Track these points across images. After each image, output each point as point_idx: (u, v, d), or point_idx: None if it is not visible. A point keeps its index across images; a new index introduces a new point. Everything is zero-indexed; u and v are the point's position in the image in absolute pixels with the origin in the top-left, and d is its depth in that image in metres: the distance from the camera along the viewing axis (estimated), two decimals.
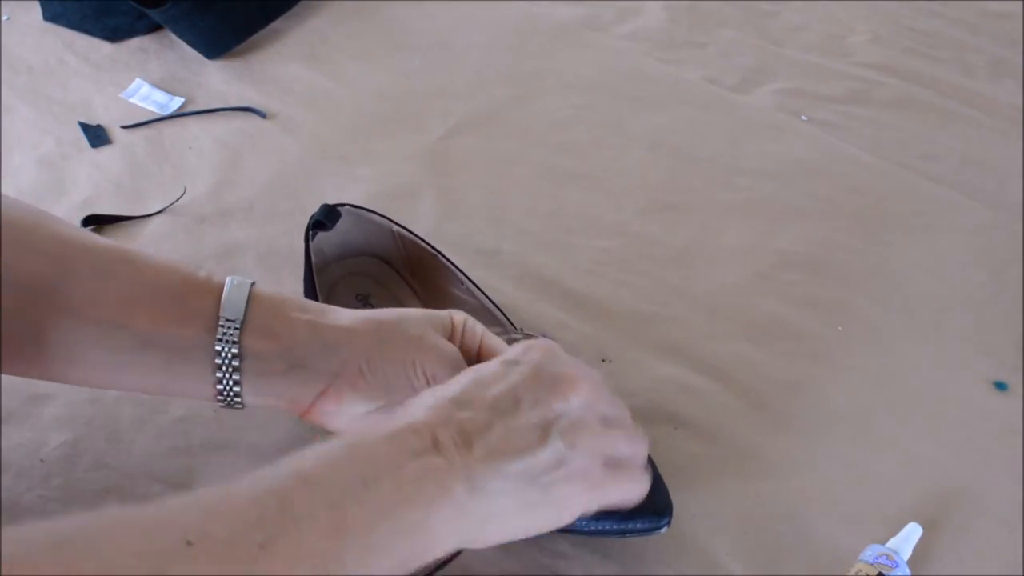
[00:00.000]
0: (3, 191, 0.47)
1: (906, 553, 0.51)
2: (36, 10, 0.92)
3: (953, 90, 0.87)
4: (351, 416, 0.48)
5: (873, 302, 0.67)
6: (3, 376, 0.60)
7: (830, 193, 0.76)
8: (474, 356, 0.51)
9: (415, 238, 0.62)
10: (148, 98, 0.83)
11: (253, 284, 0.47)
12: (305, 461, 0.38)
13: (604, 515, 0.49)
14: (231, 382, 0.46)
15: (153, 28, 0.90)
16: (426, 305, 0.63)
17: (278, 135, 0.80)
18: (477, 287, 0.61)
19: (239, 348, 0.45)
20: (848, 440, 0.59)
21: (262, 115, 0.81)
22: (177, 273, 0.46)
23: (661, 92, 0.86)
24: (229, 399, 0.47)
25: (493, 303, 0.61)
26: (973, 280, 0.69)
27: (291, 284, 0.67)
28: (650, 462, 0.52)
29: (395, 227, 0.62)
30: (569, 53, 0.90)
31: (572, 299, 0.66)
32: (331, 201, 0.61)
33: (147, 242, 0.70)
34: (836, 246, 0.72)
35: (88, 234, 0.46)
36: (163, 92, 0.83)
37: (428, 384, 0.47)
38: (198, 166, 0.77)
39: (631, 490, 0.46)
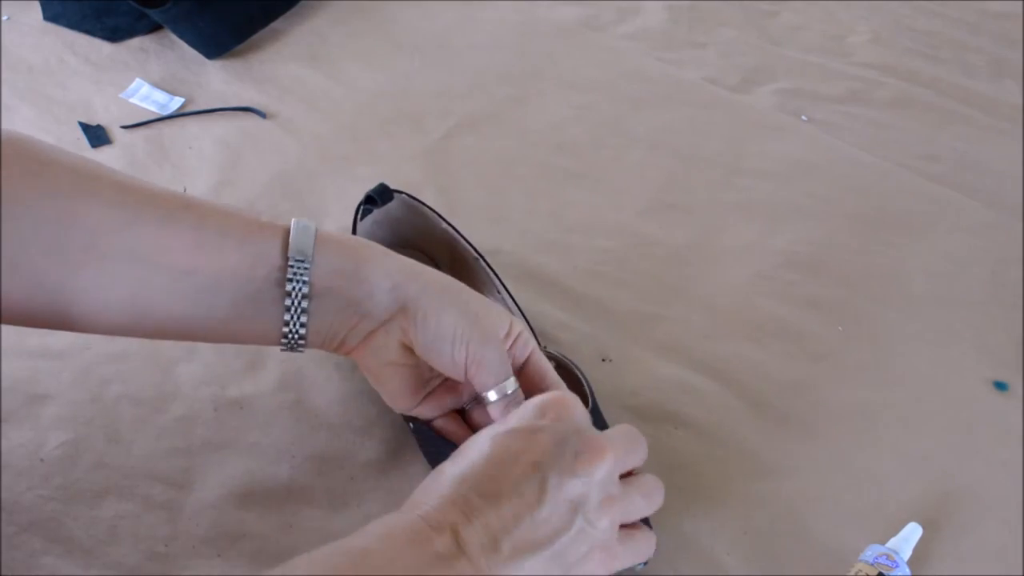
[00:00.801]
0: None
1: (906, 553, 0.51)
2: (36, 10, 0.92)
3: (953, 90, 0.87)
4: (387, 361, 0.49)
5: (873, 302, 0.67)
6: (3, 376, 0.60)
7: (830, 193, 0.76)
8: (518, 368, 0.50)
9: (463, 240, 0.62)
10: (148, 98, 0.83)
11: (317, 228, 0.47)
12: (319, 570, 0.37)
13: None
14: (298, 323, 0.47)
15: (153, 28, 0.90)
16: None
17: (278, 135, 0.80)
18: (513, 299, 0.61)
19: (308, 288, 0.46)
20: (848, 440, 0.59)
21: (262, 115, 0.81)
22: (240, 218, 0.46)
23: (661, 92, 0.86)
24: (293, 341, 0.48)
25: (524, 318, 0.61)
26: (973, 280, 0.69)
27: None
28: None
29: (444, 224, 0.62)
30: (569, 53, 0.90)
31: (572, 299, 0.66)
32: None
33: None
34: (836, 246, 0.72)
35: (146, 182, 0.46)
36: (163, 92, 0.83)
37: (465, 364, 0.47)
38: (198, 166, 0.77)
39: (645, 550, 0.46)
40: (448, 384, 0.53)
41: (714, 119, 0.83)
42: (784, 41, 0.93)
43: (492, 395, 0.48)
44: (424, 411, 0.53)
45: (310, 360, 0.62)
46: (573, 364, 0.58)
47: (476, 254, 0.62)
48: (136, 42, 0.89)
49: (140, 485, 0.55)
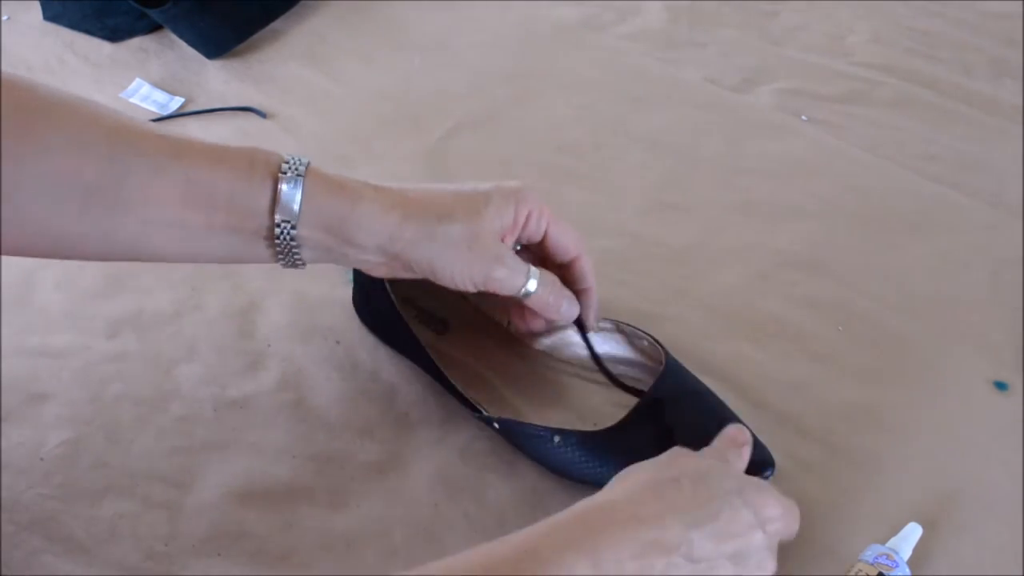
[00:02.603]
0: None
1: (906, 553, 0.51)
2: (36, 10, 0.92)
3: (953, 90, 0.87)
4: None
5: (873, 302, 0.67)
6: (3, 375, 0.60)
7: (830, 193, 0.76)
8: (537, 241, 0.53)
9: None
10: (148, 98, 0.83)
11: (308, 169, 0.48)
12: None
13: None
14: (292, 259, 0.50)
15: (153, 28, 0.90)
16: (475, 309, 0.64)
17: (278, 135, 0.80)
18: None
19: (296, 241, 0.48)
20: (848, 440, 0.59)
21: (262, 115, 0.81)
22: (232, 168, 0.47)
23: (661, 92, 0.86)
24: (292, 265, 0.51)
25: None
26: (973, 280, 0.69)
27: (293, 284, 0.67)
28: (738, 422, 0.55)
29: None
30: (569, 53, 0.90)
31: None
32: None
33: None
34: (836, 246, 0.72)
35: (138, 124, 0.47)
36: (163, 92, 0.83)
37: (480, 288, 0.51)
38: None
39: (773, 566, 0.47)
40: None
41: (714, 119, 0.83)
42: (784, 41, 0.93)
43: (524, 292, 0.52)
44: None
45: (310, 360, 0.62)
46: (642, 330, 0.59)
47: None
48: (136, 42, 0.89)
49: (140, 484, 0.55)
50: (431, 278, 0.51)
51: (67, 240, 0.46)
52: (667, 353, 0.57)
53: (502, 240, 0.51)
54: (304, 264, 0.51)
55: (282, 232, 0.48)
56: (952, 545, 0.53)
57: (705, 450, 0.49)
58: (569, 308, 0.54)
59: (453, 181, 0.53)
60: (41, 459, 0.56)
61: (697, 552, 0.42)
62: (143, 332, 0.64)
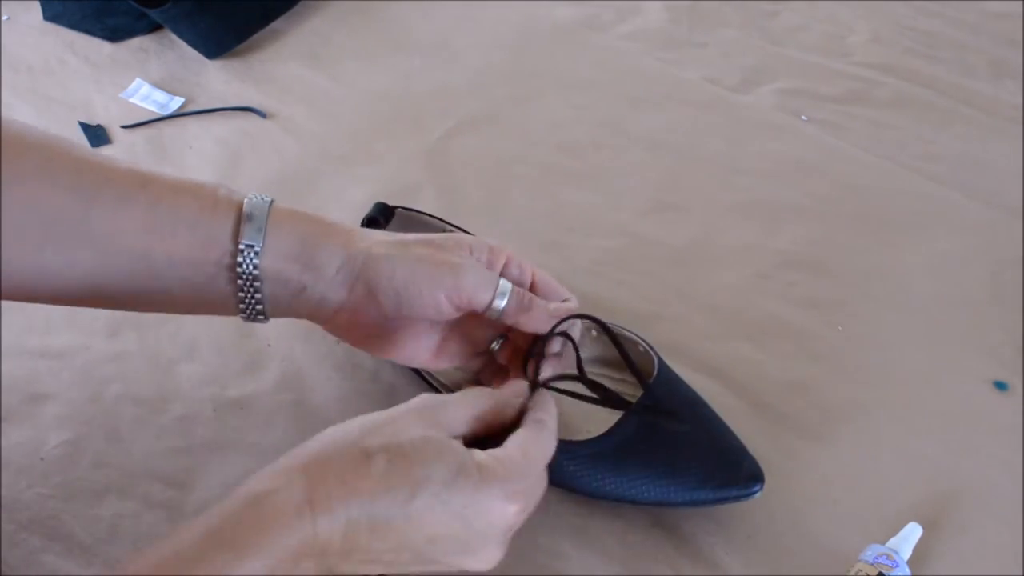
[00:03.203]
0: None
1: (906, 553, 0.51)
2: (36, 10, 0.92)
3: (953, 90, 0.87)
4: (365, 334, 0.50)
5: (873, 302, 0.67)
6: (3, 375, 0.60)
7: (830, 193, 0.76)
8: (526, 285, 0.52)
9: None
10: (148, 98, 0.83)
11: (272, 204, 0.47)
12: None
13: (699, 485, 0.51)
14: (253, 301, 0.48)
15: (153, 28, 0.90)
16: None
17: (278, 135, 0.80)
18: None
19: (259, 271, 0.47)
20: (848, 440, 0.59)
21: (262, 115, 0.81)
22: (195, 196, 0.46)
23: (661, 92, 0.86)
24: (252, 317, 0.49)
25: None
26: (973, 280, 0.69)
27: None
28: (730, 433, 0.54)
29: (449, 228, 0.63)
30: (569, 53, 0.90)
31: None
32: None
33: None
34: (836, 246, 0.72)
35: (103, 158, 0.46)
36: (163, 92, 0.83)
37: (450, 303, 0.48)
38: (198, 166, 0.77)
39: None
40: (454, 331, 0.53)
41: (714, 119, 0.83)
42: (784, 41, 0.93)
43: (496, 306, 0.48)
44: (442, 362, 0.53)
45: (310, 360, 0.62)
46: (637, 335, 0.58)
47: None
48: (136, 42, 0.89)
49: (140, 484, 0.55)
50: (399, 305, 0.48)
51: (27, 273, 0.45)
52: (660, 360, 0.57)
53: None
54: (264, 314, 0.49)
55: (244, 260, 0.46)
56: (952, 545, 0.53)
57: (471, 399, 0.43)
58: (543, 315, 0.50)
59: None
60: (41, 459, 0.56)
61: (365, 552, 0.38)
62: (143, 332, 0.64)
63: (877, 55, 0.91)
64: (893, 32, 0.94)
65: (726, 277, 0.69)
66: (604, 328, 0.51)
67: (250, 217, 0.46)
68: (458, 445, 0.40)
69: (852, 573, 0.50)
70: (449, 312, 0.48)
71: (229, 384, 0.61)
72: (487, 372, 0.55)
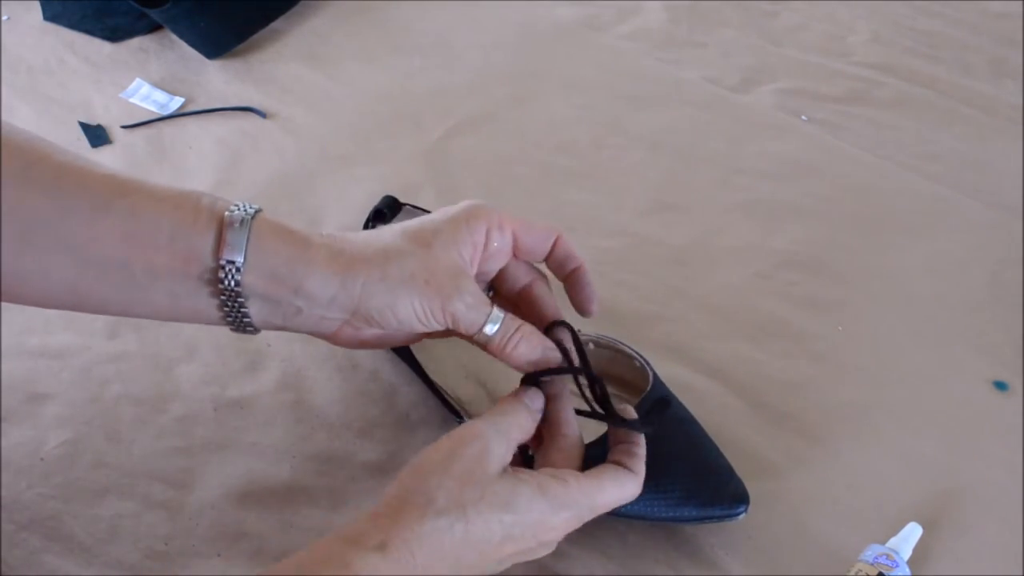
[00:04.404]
0: None
1: (906, 553, 0.51)
2: (36, 10, 0.92)
3: (953, 90, 0.87)
4: (371, 338, 0.49)
5: (873, 302, 0.67)
6: (3, 375, 0.60)
7: (830, 193, 0.76)
8: (512, 256, 0.51)
9: None
10: (148, 98, 0.83)
11: (256, 215, 0.45)
12: None
13: (682, 502, 0.51)
14: (239, 315, 0.46)
15: (153, 28, 0.90)
16: None
17: (278, 135, 0.80)
18: None
19: (242, 287, 0.45)
20: (848, 440, 0.59)
21: (262, 115, 0.81)
22: (175, 206, 0.45)
23: (661, 92, 0.86)
24: (240, 328, 0.47)
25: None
26: (973, 280, 0.69)
27: None
28: (718, 453, 0.53)
29: None
30: (569, 53, 0.90)
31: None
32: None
33: None
34: (836, 246, 0.72)
35: (86, 163, 0.45)
36: (163, 92, 0.83)
37: (444, 324, 0.48)
38: (198, 166, 0.77)
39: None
40: None
41: (714, 119, 0.83)
42: (784, 41, 0.93)
43: (486, 331, 0.48)
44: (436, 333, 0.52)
45: (310, 360, 0.62)
46: (632, 350, 0.57)
47: None
48: (136, 42, 0.89)
49: (140, 484, 0.55)
50: (398, 326, 0.47)
51: (9, 278, 0.44)
52: (656, 377, 0.56)
53: (472, 265, 0.49)
54: (254, 327, 0.47)
55: (227, 276, 0.44)
56: (952, 545, 0.53)
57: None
58: (529, 350, 0.49)
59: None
60: (41, 459, 0.56)
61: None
62: (143, 332, 0.64)
63: (877, 55, 0.91)
64: (893, 32, 0.94)
65: (726, 277, 0.69)
66: (577, 345, 0.51)
67: (231, 231, 0.44)
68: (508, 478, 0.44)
69: (852, 573, 0.50)
70: (436, 332, 0.49)
71: (229, 384, 0.61)
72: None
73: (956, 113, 0.85)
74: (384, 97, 0.84)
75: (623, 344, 0.58)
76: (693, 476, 0.51)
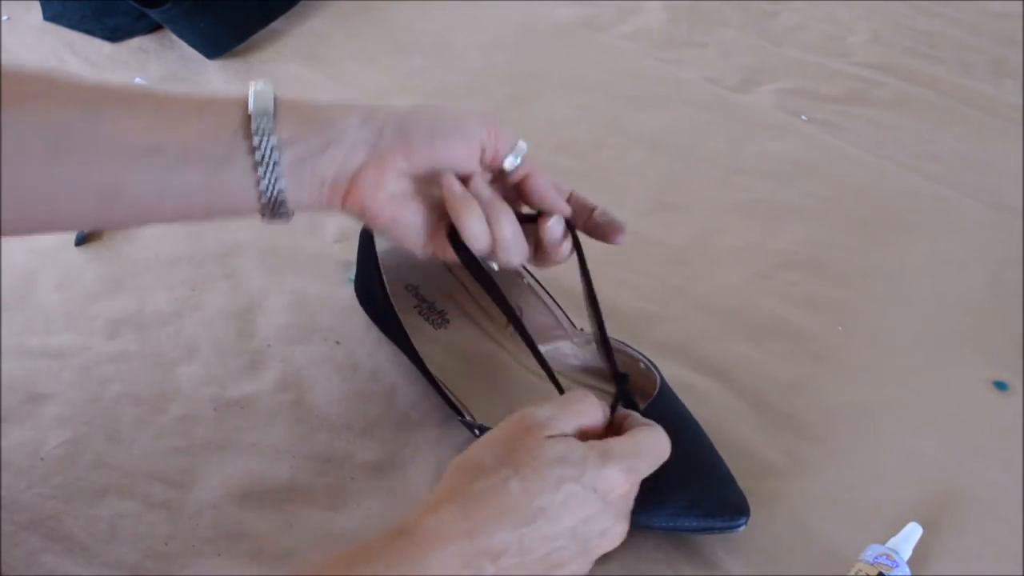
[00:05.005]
0: None
1: (906, 553, 0.51)
2: (36, 10, 0.92)
3: (953, 90, 0.87)
4: (391, 195, 0.48)
5: (873, 302, 0.67)
6: (3, 375, 0.60)
7: (830, 193, 0.76)
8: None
9: None
10: None
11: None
12: None
13: (683, 512, 0.51)
14: (273, 179, 0.46)
15: (153, 28, 0.90)
16: (477, 302, 0.64)
17: None
18: (538, 283, 0.61)
19: (276, 139, 0.46)
20: (848, 440, 0.59)
21: None
22: (199, 96, 0.47)
23: (661, 92, 0.86)
24: (274, 203, 0.47)
25: (555, 302, 0.61)
26: (973, 280, 0.69)
27: (293, 284, 0.67)
28: (721, 464, 0.53)
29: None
30: (569, 53, 0.90)
31: (572, 299, 0.66)
32: None
33: (147, 241, 0.70)
34: (836, 246, 0.72)
35: (105, 80, 0.47)
36: None
37: (482, 141, 0.49)
38: None
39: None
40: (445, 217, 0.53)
41: (714, 119, 0.83)
42: (784, 41, 0.93)
43: (510, 161, 0.50)
44: (437, 248, 0.52)
45: (310, 360, 0.62)
46: (638, 352, 0.57)
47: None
48: (136, 42, 0.89)
49: (140, 484, 0.55)
50: (430, 155, 0.48)
51: (39, 191, 0.44)
52: (663, 381, 0.56)
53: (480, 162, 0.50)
54: (286, 200, 0.47)
55: (259, 128, 0.45)
56: (952, 545, 0.53)
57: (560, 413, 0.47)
58: (543, 183, 0.51)
59: None
60: (41, 459, 0.56)
61: (529, 545, 0.42)
62: (143, 332, 0.64)
63: (877, 55, 0.91)
64: (893, 32, 0.94)
65: (726, 277, 0.69)
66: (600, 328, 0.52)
67: (259, 89, 0.46)
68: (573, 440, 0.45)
69: (852, 573, 0.50)
70: (469, 156, 0.49)
71: (229, 384, 0.61)
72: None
73: (956, 113, 0.85)
74: (384, 97, 0.84)
75: (628, 346, 0.58)
76: (695, 488, 0.51)
